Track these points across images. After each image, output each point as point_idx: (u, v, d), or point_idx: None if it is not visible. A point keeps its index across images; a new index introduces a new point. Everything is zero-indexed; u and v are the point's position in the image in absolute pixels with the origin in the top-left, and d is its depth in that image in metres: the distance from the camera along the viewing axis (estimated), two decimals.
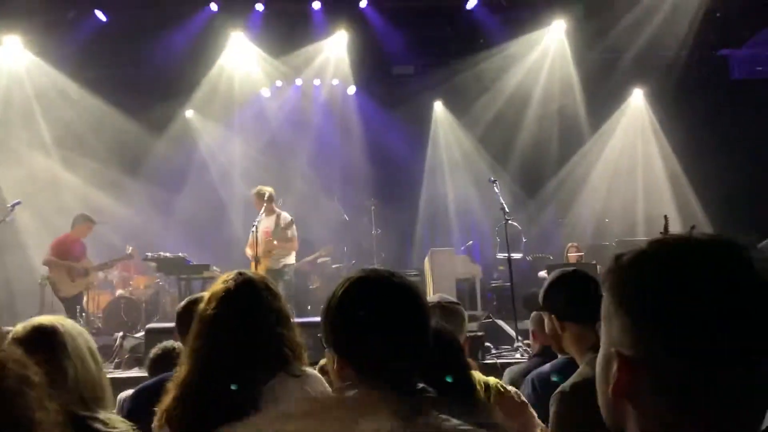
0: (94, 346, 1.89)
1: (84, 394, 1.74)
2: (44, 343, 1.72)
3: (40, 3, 9.57)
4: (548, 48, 10.96)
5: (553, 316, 2.34)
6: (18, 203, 7.86)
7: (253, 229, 7.62)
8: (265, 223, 7.94)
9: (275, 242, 7.86)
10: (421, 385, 1.34)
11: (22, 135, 10.63)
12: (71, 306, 8.23)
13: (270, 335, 2.06)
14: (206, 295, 2.15)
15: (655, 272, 0.85)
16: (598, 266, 8.78)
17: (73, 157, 10.74)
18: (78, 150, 10.74)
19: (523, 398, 2.50)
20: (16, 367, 0.93)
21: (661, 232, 7.47)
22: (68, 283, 8.28)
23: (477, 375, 2.50)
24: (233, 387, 1.94)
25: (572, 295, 2.30)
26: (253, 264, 7.85)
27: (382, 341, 1.33)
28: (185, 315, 2.69)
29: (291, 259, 8.20)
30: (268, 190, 7.96)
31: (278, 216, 8.05)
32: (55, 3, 9.73)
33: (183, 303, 2.80)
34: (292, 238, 8.00)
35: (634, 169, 11.68)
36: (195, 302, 2.71)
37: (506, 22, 10.32)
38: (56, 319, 1.84)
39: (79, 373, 1.74)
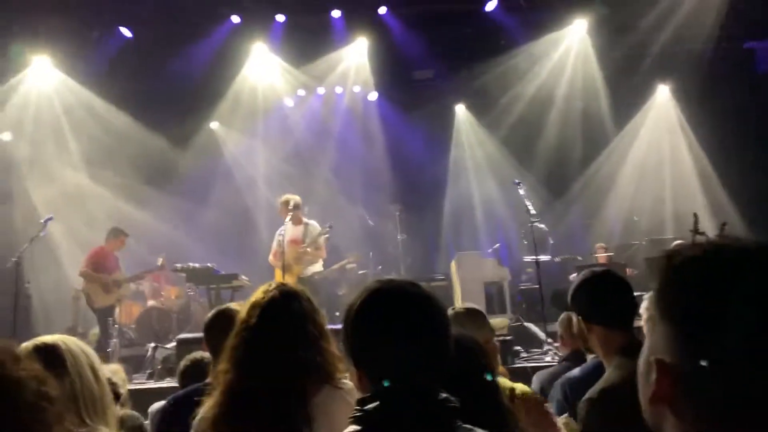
0: (97, 363, 1.90)
1: (83, 410, 1.76)
2: (44, 358, 1.75)
3: (66, 23, 9.80)
4: (570, 47, 10.87)
5: (579, 317, 2.32)
6: (50, 219, 8.02)
7: (279, 238, 7.66)
8: (292, 232, 7.99)
9: (309, 249, 7.90)
10: (443, 395, 1.34)
11: (53, 152, 10.87)
12: (104, 317, 8.37)
13: (314, 347, 2.06)
14: (246, 304, 2.15)
15: (704, 280, 0.81)
16: (627, 267, 8.67)
17: (102, 172, 10.94)
18: (107, 165, 10.95)
19: (548, 406, 2.47)
20: (35, 384, 0.97)
21: (690, 230, 7.39)
22: (102, 294, 8.42)
23: (503, 381, 2.48)
24: (278, 400, 1.95)
25: (600, 296, 2.27)
26: (278, 272, 7.92)
27: (397, 353, 1.33)
28: (212, 326, 2.71)
29: (319, 267, 8.25)
30: (294, 198, 8.01)
31: (306, 225, 8.08)
32: (82, 22, 9.94)
33: (210, 314, 2.82)
34: (321, 247, 8.05)
35: (661, 166, 11.50)
36: (221, 313, 2.74)
37: (526, 22, 10.26)
38: (59, 338, 1.88)
39: (77, 389, 1.77)
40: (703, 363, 0.79)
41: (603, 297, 2.26)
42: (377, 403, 1.32)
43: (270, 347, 2.02)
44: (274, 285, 2.17)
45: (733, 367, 0.77)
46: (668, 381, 0.82)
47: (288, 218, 7.82)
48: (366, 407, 1.32)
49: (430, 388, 1.33)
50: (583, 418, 2.03)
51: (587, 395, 2.05)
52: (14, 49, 9.73)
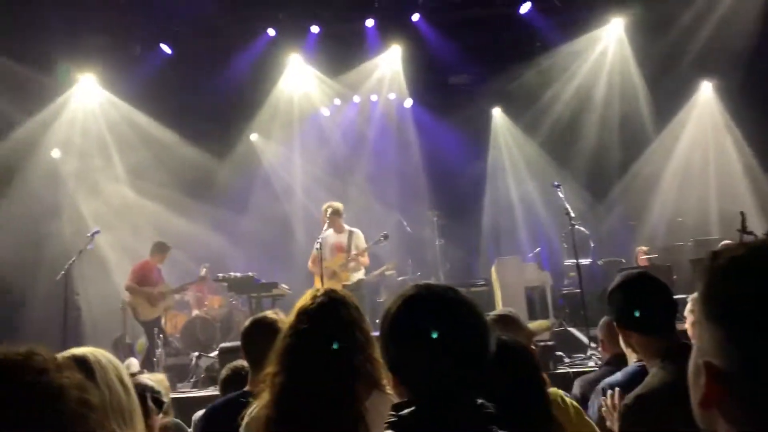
0: (125, 375, 1.94)
1: (113, 421, 1.79)
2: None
3: (110, 42, 10.13)
4: (607, 46, 10.70)
5: (615, 323, 2.27)
6: (97, 232, 8.26)
7: (317, 245, 7.74)
8: (336, 239, 8.05)
9: (359, 258, 7.96)
10: (479, 401, 1.33)
11: (100, 167, 11.21)
12: (150, 328, 8.57)
13: (362, 353, 2.07)
14: (294, 309, 2.17)
15: (752, 280, 0.79)
16: (671, 269, 8.46)
17: (146, 185, 11.23)
18: (151, 178, 11.23)
19: (586, 414, 2.42)
20: (77, 392, 1.00)
21: (738, 230, 7.19)
22: (147, 307, 8.64)
23: (552, 389, 2.45)
24: (330, 403, 1.97)
25: (635, 301, 2.18)
26: (317, 279, 7.98)
27: (431, 360, 1.32)
28: (249, 335, 2.74)
29: (362, 274, 8.28)
30: (337, 206, 8.07)
31: (351, 233, 8.13)
32: (124, 40, 10.26)
33: (247, 324, 2.84)
34: (365, 254, 8.07)
35: (706, 165, 11.17)
36: (258, 322, 2.77)
37: (562, 24, 10.15)
38: (89, 350, 1.91)
39: (106, 400, 1.80)
40: (754, 365, 0.77)
41: (638, 302, 2.18)
42: (412, 408, 1.32)
43: (319, 352, 2.03)
44: (322, 291, 2.19)
45: None
46: (718, 384, 0.80)
47: (326, 225, 7.89)
48: (401, 413, 1.32)
49: (466, 394, 1.32)
50: (619, 427, 2.00)
51: (624, 401, 2.01)
52: (61, 69, 10.08)
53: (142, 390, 2.69)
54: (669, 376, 1.99)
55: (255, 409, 2.09)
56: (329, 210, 7.95)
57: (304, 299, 2.17)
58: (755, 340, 0.77)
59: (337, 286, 7.59)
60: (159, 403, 2.98)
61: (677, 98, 11.18)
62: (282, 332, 2.15)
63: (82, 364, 1.82)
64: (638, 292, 2.21)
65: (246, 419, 2.12)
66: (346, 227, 8.18)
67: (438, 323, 1.33)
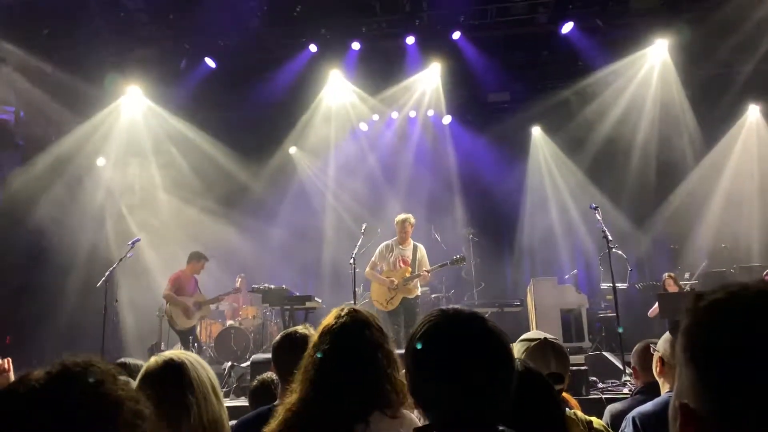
0: (216, 382, 1.97)
1: (207, 428, 1.82)
2: (173, 379, 1.84)
3: (156, 54, 10.43)
4: (651, 67, 10.52)
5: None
6: (137, 240, 8.44)
7: (384, 252, 7.93)
8: (400, 251, 8.08)
9: (428, 274, 8.00)
10: (501, 428, 1.32)
11: (143, 176, 11.52)
12: (186, 337, 8.71)
13: (383, 375, 2.07)
14: (318, 329, 2.19)
15: (727, 325, 0.79)
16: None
17: (187, 195, 11.49)
18: (192, 189, 11.50)
19: None
20: (132, 404, 1.04)
21: None
22: (183, 317, 8.79)
23: (579, 415, 2.41)
24: (337, 423, 1.97)
25: None
26: (375, 286, 8.04)
27: (452, 390, 1.32)
28: (280, 348, 2.77)
29: (419, 291, 8.27)
30: (413, 219, 8.13)
31: (416, 246, 8.13)
32: (170, 53, 10.54)
33: (278, 337, 2.88)
34: (427, 269, 8.08)
35: (752, 190, 10.86)
36: (288, 336, 2.80)
37: (604, 44, 10.02)
38: (185, 355, 1.95)
39: (202, 410, 1.83)
40: (725, 410, 0.77)
41: None
42: None
43: (338, 373, 2.05)
44: (345, 311, 2.20)
45: (754, 414, 0.75)
46: (692, 426, 0.81)
47: (397, 236, 8.06)
48: None
49: (488, 422, 1.32)
50: None
51: (630, 414, 1.98)
52: (109, 79, 10.41)
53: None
54: None
55: (270, 426, 2.12)
56: (406, 222, 8.02)
57: (328, 319, 2.19)
58: (727, 383, 0.77)
59: (398, 298, 7.66)
60: None
61: (723, 121, 10.93)
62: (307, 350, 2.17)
63: (182, 372, 1.87)
64: None
65: None
66: (412, 241, 8.18)
67: (459, 353, 1.33)
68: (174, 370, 1.86)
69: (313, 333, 2.76)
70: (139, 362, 1.97)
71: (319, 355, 2.11)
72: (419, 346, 1.39)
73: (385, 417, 2.01)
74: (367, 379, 2.05)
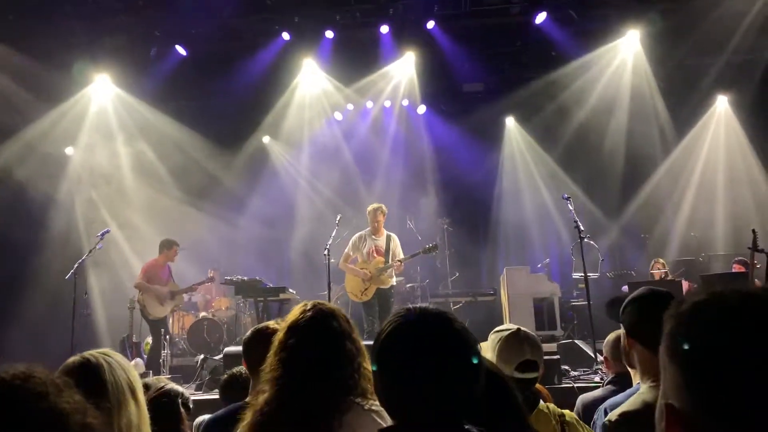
0: (138, 384, 1.90)
1: None
2: (86, 381, 1.72)
3: (126, 42, 10.21)
4: (623, 58, 10.62)
5: (624, 332, 2.29)
6: (107, 231, 8.30)
7: (364, 246, 7.87)
8: (374, 241, 8.03)
9: (401, 264, 7.95)
10: (467, 427, 1.32)
11: (113, 165, 11.30)
12: (157, 327, 8.59)
13: (352, 365, 2.06)
14: (283, 325, 2.17)
15: (709, 326, 0.81)
16: (683, 282, 8.38)
17: (158, 185, 11.32)
18: (162, 178, 11.33)
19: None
20: (80, 416, 0.97)
21: (749, 247, 7.09)
22: (156, 306, 8.66)
23: (551, 407, 2.42)
24: (308, 417, 1.95)
25: (648, 316, 2.19)
26: (349, 278, 7.99)
27: (416, 390, 1.30)
28: (251, 344, 2.74)
29: (394, 281, 8.24)
30: (384, 208, 8.09)
31: (389, 236, 8.08)
32: (140, 41, 10.33)
33: (249, 333, 2.84)
34: (400, 259, 8.04)
35: (720, 181, 11.07)
36: (259, 331, 2.77)
37: (578, 34, 10.08)
38: (104, 357, 1.86)
39: (114, 415, 1.75)
40: (707, 410, 0.78)
41: (652, 317, 2.20)
42: None
43: (306, 367, 2.03)
44: (310, 305, 2.18)
45: (737, 413, 0.76)
46: (677, 426, 0.82)
47: (370, 226, 8.01)
48: None
49: (453, 420, 1.31)
50: None
51: (606, 417, 2.01)
52: (77, 66, 10.17)
53: (175, 396, 2.69)
54: (655, 397, 1.98)
55: (241, 426, 2.09)
56: (378, 211, 7.97)
57: (293, 314, 2.16)
58: (711, 383, 0.79)
59: (372, 289, 7.64)
60: (188, 408, 2.98)
61: (693, 112, 11.11)
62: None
63: (94, 373, 1.79)
64: (656, 308, 2.21)
65: None
66: (385, 231, 8.14)
67: (425, 354, 1.32)
68: (88, 371, 1.79)
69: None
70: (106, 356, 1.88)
71: (283, 354, 2.08)
72: (384, 347, 1.38)
73: (359, 407, 2.00)
74: (338, 370, 2.03)
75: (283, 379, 2.04)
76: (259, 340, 2.69)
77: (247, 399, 2.64)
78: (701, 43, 9.73)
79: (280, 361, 2.07)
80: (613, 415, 2.00)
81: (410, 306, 1.45)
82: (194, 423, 3.58)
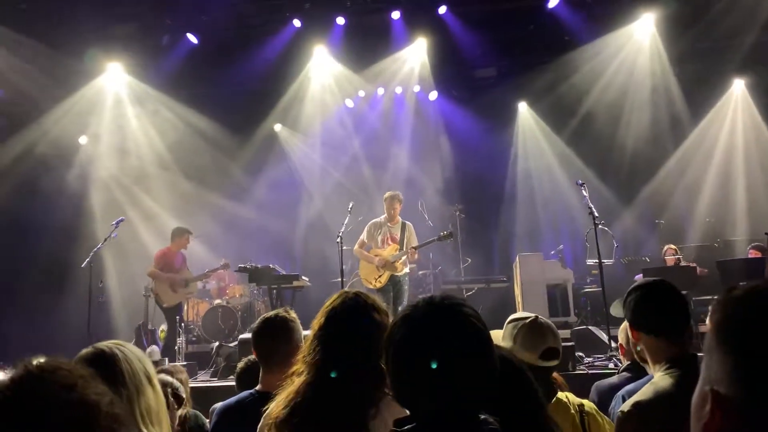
0: (152, 372, 1.93)
1: (140, 422, 1.78)
2: (102, 369, 1.77)
3: (137, 31, 10.23)
4: (637, 42, 10.49)
5: (628, 323, 2.28)
6: (122, 220, 8.35)
7: (379, 234, 7.87)
8: (389, 229, 8.03)
9: (414, 252, 7.93)
10: (482, 417, 1.31)
11: (126, 154, 11.37)
12: (171, 315, 8.66)
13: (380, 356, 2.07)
14: (322, 311, 2.17)
15: (761, 314, 0.81)
16: (697, 268, 8.32)
17: (172, 174, 11.38)
18: (176, 167, 11.38)
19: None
20: (108, 407, 0.97)
21: (766, 233, 7.00)
22: (170, 293, 8.72)
23: (570, 397, 2.42)
24: (346, 404, 1.97)
25: (649, 306, 2.23)
26: (363, 264, 8.01)
27: (431, 381, 1.30)
28: (260, 333, 2.75)
29: (408, 268, 8.23)
30: (401, 195, 8.09)
31: (404, 224, 8.07)
32: (151, 29, 10.34)
33: (257, 322, 2.83)
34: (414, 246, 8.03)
35: (736, 165, 10.93)
36: (268, 320, 2.78)
37: (591, 18, 9.96)
38: (116, 346, 1.89)
39: (134, 402, 1.79)
40: (761, 395, 0.77)
41: (652, 307, 2.23)
42: (413, 425, 1.30)
43: (347, 356, 2.04)
44: (351, 294, 2.18)
45: None
46: (722, 413, 0.81)
47: (386, 213, 8.00)
48: (403, 428, 1.32)
49: (468, 410, 1.30)
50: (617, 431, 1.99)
51: (621, 407, 2.00)
52: (89, 55, 10.20)
53: (164, 385, 2.72)
54: (671, 384, 1.99)
55: (273, 406, 2.10)
56: (394, 198, 7.97)
57: (332, 301, 2.16)
58: (762, 371, 0.78)
59: (386, 276, 7.66)
60: (178, 398, 3.02)
61: (709, 96, 10.95)
62: (296, 334, 2.14)
63: (110, 362, 1.82)
64: (655, 297, 2.22)
65: (263, 421, 2.13)
66: (400, 219, 8.14)
67: (438, 345, 1.31)
68: (104, 361, 1.81)
69: (294, 316, 2.76)
70: (120, 345, 1.90)
71: (322, 340, 2.09)
72: (394, 339, 1.37)
73: (394, 401, 2.00)
74: (375, 360, 2.03)
75: (322, 365, 2.05)
76: (269, 329, 2.72)
77: (258, 387, 2.66)
78: (717, 26, 9.58)
79: (317, 347, 2.08)
80: (626, 406, 1.99)
81: (422, 296, 1.44)
82: (210, 410, 3.62)
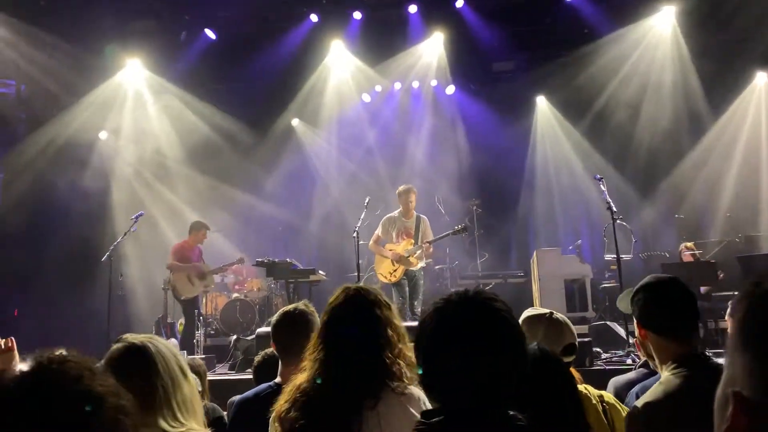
0: (184, 363, 1.96)
1: (177, 411, 1.81)
2: (136, 363, 1.82)
3: (156, 27, 10.31)
4: (657, 35, 10.34)
5: (636, 321, 2.26)
6: (141, 214, 8.43)
7: (393, 228, 7.87)
8: (403, 223, 8.02)
9: (428, 246, 7.93)
10: (511, 413, 1.31)
11: (145, 149, 11.47)
12: (189, 308, 8.73)
13: (389, 352, 2.08)
14: (327, 307, 2.20)
15: None
16: (717, 268, 8.21)
17: (188, 169, 11.47)
18: (191, 162, 11.46)
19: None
20: (114, 399, 1.00)
21: None
22: (188, 286, 8.80)
23: (590, 389, 2.42)
24: (344, 398, 1.99)
25: (656, 304, 2.19)
26: (378, 259, 8.03)
27: (462, 375, 1.30)
28: (279, 326, 2.78)
29: (424, 263, 8.22)
30: (415, 189, 8.08)
31: (419, 218, 8.04)
32: (170, 25, 10.41)
33: (276, 315, 2.86)
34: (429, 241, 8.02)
35: (760, 159, 10.74)
36: (287, 313, 2.80)
37: (610, 10, 9.85)
38: (148, 339, 1.93)
39: (170, 392, 1.82)
40: None
41: (661, 306, 2.19)
42: (441, 417, 1.31)
43: (349, 351, 2.06)
44: (353, 289, 2.21)
45: None
46: (745, 415, 0.78)
47: (401, 207, 7.99)
48: (430, 420, 1.32)
49: (497, 405, 1.31)
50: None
51: (631, 408, 1.99)
52: (109, 50, 10.30)
53: None
54: (680, 384, 1.97)
55: (279, 401, 2.13)
56: (409, 192, 7.95)
57: (336, 297, 2.18)
58: None
59: (401, 270, 7.67)
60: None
61: (731, 89, 10.75)
62: (315, 327, 2.17)
63: (143, 354, 1.85)
64: (664, 294, 2.19)
65: (273, 414, 2.15)
66: (415, 213, 8.12)
67: (468, 340, 1.31)
68: (136, 354, 1.84)
69: (312, 309, 2.79)
70: (140, 337, 1.94)
71: (324, 336, 2.11)
72: (428, 331, 1.38)
73: (393, 393, 2.02)
74: (379, 356, 2.05)
75: (324, 360, 2.07)
76: (287, 322, 2.75)
77: (277, 380, 2.69)
78: (739, 18, 9.42)
79: (322, 343, 2.11)
80: (637, 406, 1.97)
81: (453, 290, 1.45)
82: (227, 403, 3.66)
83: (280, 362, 2.75)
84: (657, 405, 1.91)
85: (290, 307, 2.84)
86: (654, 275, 2.31)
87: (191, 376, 1.97)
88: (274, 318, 2.86)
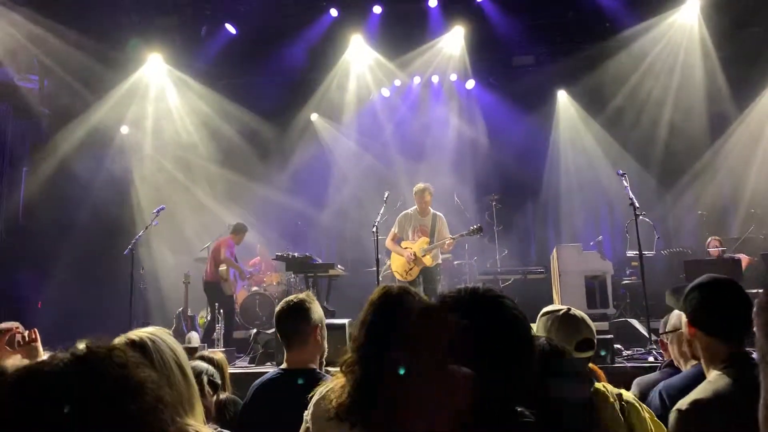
0: (184, 360, 1.95)
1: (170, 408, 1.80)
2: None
3: (177, 22, 10.37)
4: (680, 28, 10.19)
5: (687, 320, 2.22)
6: (162, 209, 8.49)
7: (409, 226, 7.90)
8: (419, 221, 8.03)
9: (447, 243, 7.92)
10: (519, 409, 1.30)
11: (166, 143, 11.57)
12: (231, 304, 8.94)
13: None
14: (366, 304, 2.23)
15: None
16: (743, 257, 8.09)
17: (209, 163, 11.54)
18: (213, 156, 11.54)
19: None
20: (154, 388, 1.03)
21: None
22: (234, 283, 9.14)
23: (609, 387, 2.39)
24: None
25: (712, 305, 2.16)
26: (395, 257, 8.04)
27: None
28: (280, 315, 2.87)
29: (440, 259, 8.24)
30: (432, 188, 8.07)
31: (435, 216, 8.04)
32: (191, 20, 10.47)
33: (280, 305, 2.95)
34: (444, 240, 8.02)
35: None
36: (287, 303, 2.89)
37: (632, 3, 9.71)
38: (148, 335, 1.92)
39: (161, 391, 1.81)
40: None
41: (715, 306, 2.16)
42: None
43: (380, 344, 2.04)
44: (396, 288, 2.23)
45: None
46: None
47: (417, 205, 8.01)
48: None
49: (504, 403, 1.29)
50: (671, 429, 1.94)
51: (677, 405, 1.95)
52: (131, 44, 10.40)
53: (200, 373, 2.78)
54: (729, 383, 1.95)
55: (326, 390, 2.16)
56: (425, 191, 7.95)
57: (377, 294, 2.22)
58: None
59: (417, 268, 7.67)
60: (214, 385, 3.07)
61: (756, 84, 10.55)
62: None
63: (140, 350, 1.84)
64: (720, 296, 2.16)
65: (316, 397, 2.20)
66: (431, 210, 8.11)
67: (479, 337, 1.29)
68: (133, 349, 1.84)
69: (313, 299, 2.85)
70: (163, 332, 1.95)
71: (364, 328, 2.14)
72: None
73: None
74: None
75: (369, 358, 2.08)
76: (287, 311, 2.86)
77: (283, 366, 2.84)
78: (764, 11, 9.24)
79: (365, 340, 2.14)
80: (683, 404, 1.93)
81: (460, 287, 1.43)
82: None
83: (285, 348, 2.87)
84: (707, 403, 1.89)
85: (291, 297, 2.93)
86: (710, 275, 2.26)
87: (191, 374, 1.95)
88: (276, 308, 2.94)
